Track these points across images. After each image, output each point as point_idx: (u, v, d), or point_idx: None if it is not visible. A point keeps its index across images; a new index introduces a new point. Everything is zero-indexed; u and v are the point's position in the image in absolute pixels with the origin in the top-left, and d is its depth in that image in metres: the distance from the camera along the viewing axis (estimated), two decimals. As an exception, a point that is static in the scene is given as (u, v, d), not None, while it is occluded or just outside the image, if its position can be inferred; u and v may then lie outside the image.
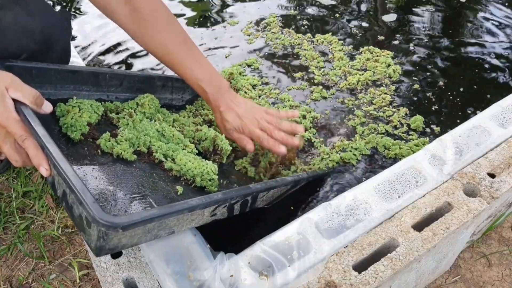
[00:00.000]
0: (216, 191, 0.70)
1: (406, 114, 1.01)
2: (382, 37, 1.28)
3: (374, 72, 1.13)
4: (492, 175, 0.72)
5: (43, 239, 0.94)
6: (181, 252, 0.62)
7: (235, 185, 0.78)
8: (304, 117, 1.02)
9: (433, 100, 1.06)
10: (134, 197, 0.59)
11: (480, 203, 0.67)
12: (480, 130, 0.79)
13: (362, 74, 1.12)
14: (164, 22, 0.80)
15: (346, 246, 0.63)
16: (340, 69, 1.15)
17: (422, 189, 0.70)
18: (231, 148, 0.83)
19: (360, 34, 1.30)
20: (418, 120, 0.98)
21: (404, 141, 0.94)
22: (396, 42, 1.26)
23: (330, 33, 1.29)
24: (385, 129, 0.98)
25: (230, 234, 0.75)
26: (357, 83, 1.10)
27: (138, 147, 0.70)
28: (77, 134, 0.65)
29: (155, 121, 0.79)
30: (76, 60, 1.08)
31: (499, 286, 0.85)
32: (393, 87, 1.09)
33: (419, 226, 0.65)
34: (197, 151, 0.78)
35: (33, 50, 0.69)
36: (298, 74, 1.16)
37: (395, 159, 0.91)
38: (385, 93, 1.07)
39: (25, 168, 1.05)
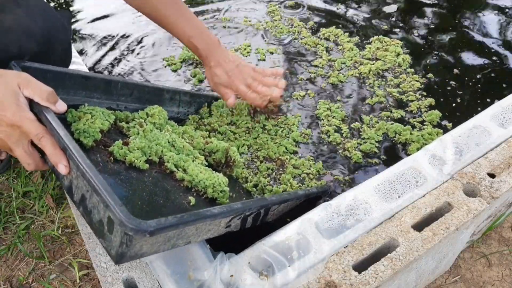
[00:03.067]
0: (227, 203, 0.70)
1: (431, 105, 1.02)
2: (386, 27, 1.28)
3: (384, 61, 1.14)
4: (492, 175, 0.72)
5: (43, 239, 0.94)
6: (181, 252, 0.62)
7: (244, 197, 0.78)
8: (329, 109, 1.03)
9: (454, 89, 1.06)
10: (149, 206, 0.59)
11: (480, 203, 0.67)
12: (480, 130, 0.79)
13: (374, 64, 1.13)
14: None
15: (346, 246, 0.63)
16: (351, 59, 1.16)
17: (422, 189, 0.70)
18: (242, 160, 0.85)
19: (363, 26, 1.30)
20: (433, 115, 0.97)
21: (417, 129, 0.95)
22: (399, 30, 1.27)
23: (334, 26, 1.29)
24: (400, 114, 0.99)
25: (230, 234, 0.75)
26: (369, 72, 1.11)
27: (149, 156, 0.69)
28: (90, 140, 0.64)
29: (164, 132, 0.78)
30: (77, 60, 1.08)
31: (499, 286, 0.85)
32: (404, 76, 1.10)
33: (419, 226, 0.65)
34: (206, 164, 0.78)
35: (34, 51, 0.68)
36: (309, 62, 1.17)
37: (405, 144, 0.92)
38: (416, 80, 1.08)
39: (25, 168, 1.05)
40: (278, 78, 0.94)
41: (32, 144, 0.56)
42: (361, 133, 0.96)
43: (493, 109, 0.83)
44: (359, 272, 0.59)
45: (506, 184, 0.70)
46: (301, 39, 1.25)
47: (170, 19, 0.87)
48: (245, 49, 1.23)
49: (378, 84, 1.08)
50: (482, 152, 0.76)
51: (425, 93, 1.05)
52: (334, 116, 1.00)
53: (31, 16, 0.68)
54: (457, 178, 0.72)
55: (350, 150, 0.92)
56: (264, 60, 1.19)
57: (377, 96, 1.04)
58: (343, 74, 1.11)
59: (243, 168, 0.88)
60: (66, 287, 0.87)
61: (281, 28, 1.29)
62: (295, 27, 1.30)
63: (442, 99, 1.04)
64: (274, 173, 0.89)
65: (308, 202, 0.81)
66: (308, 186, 0.85)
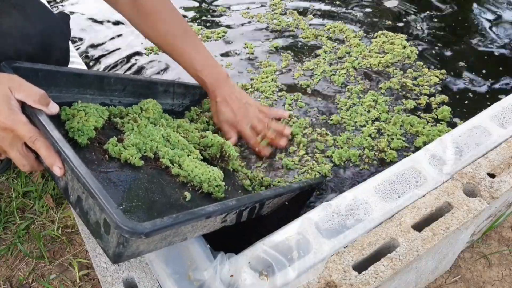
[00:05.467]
0: (222, 197, 0.70)
1: (444, 101, 1.00)
2: (389, 22, 1.28)
3: (393, 55, 1.14)
4: (492, 175, 0.72)
5: (43, 239, 0.94)
6: (181, 252, 0.62)
7: (240, 191, 0.78)
8: (375, 102, 1.00)
9: (466, 83, 1.06)
10: (145, 203, 0.59)
11: (480, 203, 0.67)
12: (480, 130, 0.79)
13: (383, 57, 1.13)
14: (166, 14, 0.84)
15: (346, 246, 0.63)
16: (360, 54, 1.16)
17: (422, 189, 0.70)
18: (238, 154, 0.84)
19: (366, 21, 1.30)
20: (445, 111, 0.96)
21: (430, 124, 0.94)
22: (402, 24, 1.26)
23: (341, 21, 1.29)
24: (413, 105, 0.99)
25: (230, 234, 0.76)
26: (378, 65, 1.11)
27: (144, 152, 0.69)
28: (84, 139, 0.64)
29: (159, 126, 0.78)
30: (76, 60, 1.08)
31: (499, 286, 0.85)
32: (426, 70, 1.10)
33: (419, 226, 0.65)
34: (201, 157, 0.78)
35: (31, 55, 0.67)
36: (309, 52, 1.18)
37: (415, 135, 0.92)
38: (436, 76, 1.07)
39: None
40: (284, 125, 0.92)
41: (27, 146, 0.56)
42: (381, 130, 0.94)
43: (493, 109, 0.83)
44: (359, 272, 0.59)
45: (506, 184, 0.70)
46: (302, 32, 1.26)
47: (178, 49, 0.85)
48: (218, 33, 1.24)
49: (393, 75, 1.08)
50: (482, 152, 0.76)
51: (440, 89, 1.04)
52: (378, 109, 0.98)
53: (28, 19, 0.68)
54: (457, 178, 0.72)
55: (385, 150, 0.88)
56: (252, 53, 1.19)
57: (391, 83, 1.04)
58: (352, 66, 1.11)
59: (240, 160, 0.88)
60: (66, 287, 0.87)
61: (280, 21, 1.30)
62: (294, 19, 1.30)
63: (456, 96, 1.02)
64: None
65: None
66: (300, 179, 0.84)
